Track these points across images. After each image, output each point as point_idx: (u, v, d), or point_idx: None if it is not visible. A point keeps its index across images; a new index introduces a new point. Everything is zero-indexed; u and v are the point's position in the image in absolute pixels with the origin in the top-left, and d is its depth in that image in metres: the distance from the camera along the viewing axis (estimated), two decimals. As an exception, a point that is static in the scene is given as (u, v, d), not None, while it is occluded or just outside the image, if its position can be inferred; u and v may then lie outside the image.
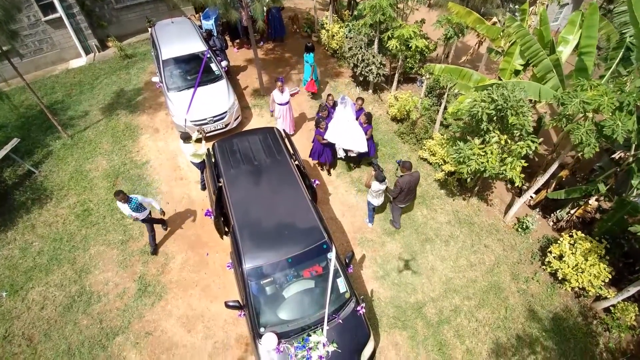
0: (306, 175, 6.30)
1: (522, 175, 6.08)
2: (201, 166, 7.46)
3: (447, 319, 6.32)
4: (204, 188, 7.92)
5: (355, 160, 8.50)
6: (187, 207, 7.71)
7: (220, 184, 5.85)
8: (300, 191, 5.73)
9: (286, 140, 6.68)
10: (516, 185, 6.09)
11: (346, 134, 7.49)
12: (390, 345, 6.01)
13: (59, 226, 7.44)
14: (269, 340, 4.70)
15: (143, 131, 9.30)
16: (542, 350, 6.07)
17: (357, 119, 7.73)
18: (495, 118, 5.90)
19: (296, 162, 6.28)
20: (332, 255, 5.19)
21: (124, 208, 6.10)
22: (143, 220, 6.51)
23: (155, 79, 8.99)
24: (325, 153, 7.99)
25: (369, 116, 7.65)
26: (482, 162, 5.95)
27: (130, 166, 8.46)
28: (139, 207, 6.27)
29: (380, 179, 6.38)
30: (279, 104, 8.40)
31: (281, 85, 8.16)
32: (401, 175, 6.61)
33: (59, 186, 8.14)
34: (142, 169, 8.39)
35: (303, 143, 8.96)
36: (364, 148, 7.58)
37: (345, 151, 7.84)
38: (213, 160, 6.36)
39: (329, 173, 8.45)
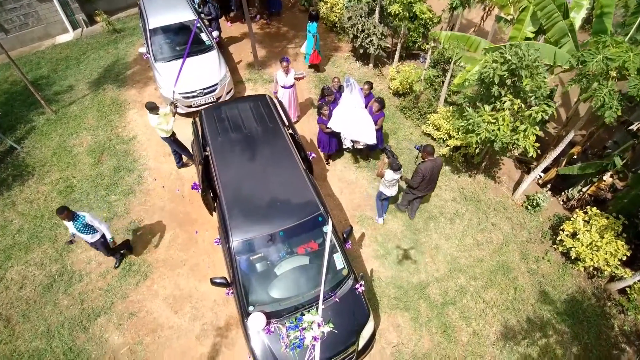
0: (301, 146, 5.83)
1: (537, 145, 5.60)
2: (169, 142, 6.87)
3: (452, 299, 5.92)
4: (179, 164, 7.44)
5: (363, 153, 7.68)
6: (175, 183, 7.26)
7: (207, 153, 5.39)
8: (294, 160, 5.27)
9: (280, 108, 6.19)
10: (530, 155, 5.61)
11: (353, 122, 6.62)
12: (391, 327, 5.62)
13: (40, 203, 7.01)
14: (256, 320, 4.27)
15: (131, 106, 8.80)
16: (554, 332, 5.67)
17: (366, 106, 6.87)
18: (507, 81, 5.40)
19: (290, 131, 5.81)
20: (328, 228, 4.77)
21: (69, 226, 5.16)
22: (94, 245, 5.48)
23: (142, 49, 8.46)
24: (331, 143, 7.17)
25: (381, 102, 6.69)
26: (493, 130, 5.47)
27: (116, 141, 7.99)
28: (87, 228, 5.19)
29: (396, 167, 5.63)
30: (283, 87, 7.55)
31: (286, 66, 7.27)
32: (422, 161, 5.87)
33: (42, 162, 7.69)
34: (128, 145, 7.92)
35: (307, 129, 8.34)
36: (372, 140, 6.68)
37: (353, 142, 6.99)
38: (200, 128, 5.88)
39: (328, 162, 7.67)
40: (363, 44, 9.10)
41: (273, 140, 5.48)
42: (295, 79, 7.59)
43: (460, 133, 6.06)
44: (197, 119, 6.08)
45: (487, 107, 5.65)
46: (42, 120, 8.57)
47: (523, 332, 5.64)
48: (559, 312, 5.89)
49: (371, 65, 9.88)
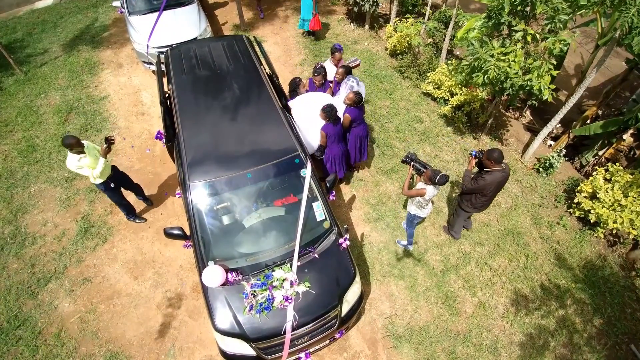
0: (282, 93, 5.11)
1: (553, 86, 4.84)
2: (105, 187, 4.85)
3: (454, 267, 5.17)
4: (131, 217, 5.47)
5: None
6: (146, 142, 6.56)
7: (168, 92, 4.68)
8: (269, 98, 4.54)
9: (257, 47, 5.46)
10: (545, 99, 4.85)
11: (310, 119, 5.00)
12: (383, 296, 4.88)
13: (-1, 163, 6.36)
14: (211, 273, 3.53)
15: (105, 66, 8.12)
16: (572, 304, 4.91)
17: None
18: (519, 9, 4.64)
19: (268, 72, 5.08)
20: (306, 172, 4.04)
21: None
22: None
23: (117, 3, 7.79)
24: None
25: (327, 111, 4.69)
26: (502, 67, 4.70)
27: (85, 101, 7.30)
28: None
29: (443, 180, 4.04)
30: (331, 82, 5.82)
31: (340, 57, 5.68)
32: (486, 171, 4.37)
33: (5, 122, 7.01)
34: (99, 104, 7.23)
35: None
36: (311, 147, 5.12)
37: None
38: (164, 68, 5.16)
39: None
40: (357, 1, 8.34)
41: (245, 78, 4.74)
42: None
43: (463, 75, 5.28)
44: (161, 58, 5.35)
45: (496, 43, 4.89)
46: (11, 81, 7.90)
47: (536, 304, 4.88)
48: (576, 282, 5.12)
49: (367, 26, 9.11)
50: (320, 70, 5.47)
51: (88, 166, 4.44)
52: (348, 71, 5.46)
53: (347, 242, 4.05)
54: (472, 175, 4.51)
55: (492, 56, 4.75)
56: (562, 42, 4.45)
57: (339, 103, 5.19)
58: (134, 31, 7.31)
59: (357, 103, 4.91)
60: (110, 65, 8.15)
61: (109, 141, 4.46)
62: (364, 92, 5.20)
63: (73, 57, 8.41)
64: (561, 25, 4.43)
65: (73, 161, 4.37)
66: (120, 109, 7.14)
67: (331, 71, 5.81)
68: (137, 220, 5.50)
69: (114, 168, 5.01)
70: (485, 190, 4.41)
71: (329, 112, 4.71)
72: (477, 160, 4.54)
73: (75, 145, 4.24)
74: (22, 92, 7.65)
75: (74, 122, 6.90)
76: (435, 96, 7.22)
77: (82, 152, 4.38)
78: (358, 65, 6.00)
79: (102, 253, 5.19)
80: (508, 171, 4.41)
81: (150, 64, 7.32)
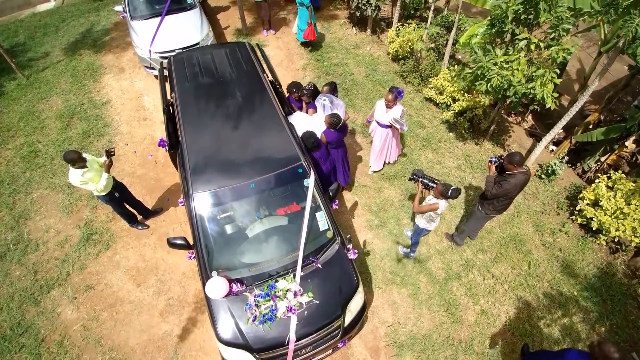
0: (284, 101, 5.11)
1: (556, 94, 4.83)
2: (110, 198, 4.83)
3: (456, 274, 5.17)
4: (133, 224, 5.47)
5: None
6: (148, 148, 6.56)
7: (171, 100, 4.68)
8: (272, 106, 4.54)
9: (259, 54, 5.47)
10: (548, 107, 4.85)
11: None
12: (385, 304, 4.88)
13: (1, 168, 6.35)
14: (215, 285, 3.53)
15: (107, 70, 8.13)
16: (575, 312, 4.91)
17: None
18: (522, 18, 4.64)
19: (270, 79, 5.08)
20: (309, 181, 4.04)
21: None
22: None
23: (119, 7, 7.79)
24: None
25: (305, 138, 4.59)
26: (506, 76, 4.69)
27: (88, 106, 7.31)
28: None
29: (455, 193, 3.99)
30: (378, 123, 5.61)
31: (393, 100, 5.22)
32: (509, 174, 4.28)
33: (7, 127, 7.03)
34: (101, 109, 7.24)
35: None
36: None
37: None
38: (167, 76, 5.16)
39: None
40: (360, 5, 8.34)
41: (248, 85, 4.75)
42: (392, 124, 5.35)
43: (466, 82, 5.28)
44: (164, 65, 5.36)
45: (499, 51, 4.89)
46: (13, 86, 7.92)
47: (539, 312, 4.88)
48: (579, 289, 5.11)
49: (369, 31, 9.10)
50: (307, 91, 5.26)
51: (91, 180, 4.44)
52: (332, 88, 5.27)
53: (355, 255, 4.05)
54: (495, 179, 4.47)
55: (495, 64, 4.74)
56: (566, 50, 4.44)
57: (318, 123, 5.01)
58: (136, 36, 7.32)
59: (335, 125, 4.71)
60: (112, 69, 8.16)
61: (109, 154, 4.49)
62: (343, 112, 5.06)
63: (75, 61, 8.42)
64: (564, 34, 4.43)
65: (76, 176, 4.31)
66: (122, 114, 7.15)
67: (379, 111, 5.47)
68: (140, 227, 5.51)
69: (112, 178, 4.97)
70: (510, 193, 4.38)
71: (306, 139, 4.58)
72: (496, 165, 4.53)
73: (77, 160, 4.19)
74: (24, 96, 7.67)
75: (76, 127, 6.90)
76: (437, 102, 7.22)
77: (85, 167, 4.34)
78: (401, 129, 5.46)
79: (104, 260, 5.20)
80: (530, 173, 4.39)
81: (153, 68, 7.33)
